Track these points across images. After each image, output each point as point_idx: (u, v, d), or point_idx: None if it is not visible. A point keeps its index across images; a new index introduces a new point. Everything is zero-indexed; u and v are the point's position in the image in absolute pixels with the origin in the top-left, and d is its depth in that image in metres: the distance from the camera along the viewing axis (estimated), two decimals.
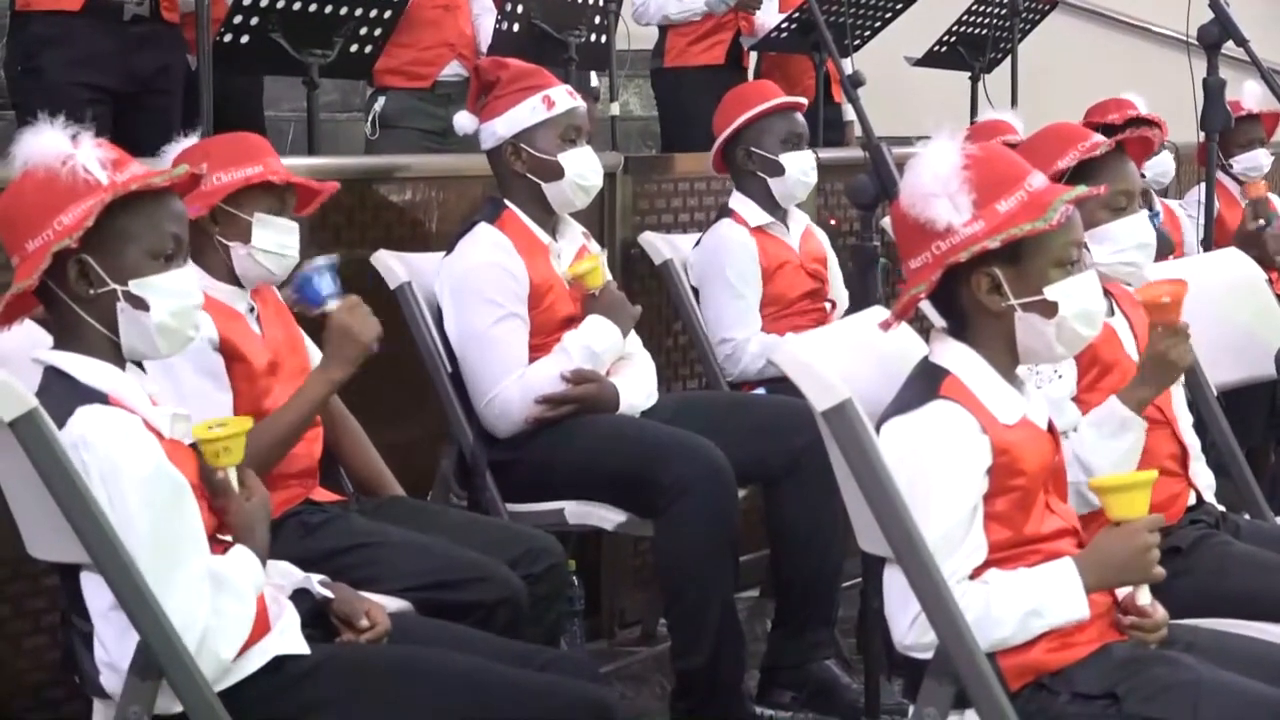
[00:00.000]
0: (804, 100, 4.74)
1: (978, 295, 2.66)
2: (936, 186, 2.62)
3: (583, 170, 3.94)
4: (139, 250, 2.63)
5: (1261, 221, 5.53)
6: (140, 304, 2.63)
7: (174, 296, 2.65)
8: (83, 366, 2.63)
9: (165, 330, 2.65)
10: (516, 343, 3.85)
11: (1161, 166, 5.79)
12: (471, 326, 3.84)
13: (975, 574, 2.62)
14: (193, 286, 2.71)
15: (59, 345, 2.67)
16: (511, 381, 3.82)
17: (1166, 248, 5.15)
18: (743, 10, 6.39)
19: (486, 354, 3.83)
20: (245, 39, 4.42)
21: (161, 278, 2.64)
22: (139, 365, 2.74)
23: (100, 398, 2.59)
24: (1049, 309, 2.64)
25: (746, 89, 4.84)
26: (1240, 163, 6.13)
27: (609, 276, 4.00)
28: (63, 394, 2.58)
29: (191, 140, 3.43)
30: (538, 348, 3.88)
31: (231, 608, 2.61)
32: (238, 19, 4.39)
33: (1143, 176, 5.29)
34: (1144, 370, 3.13)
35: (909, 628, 2.62)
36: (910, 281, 2.68)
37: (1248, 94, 5.98)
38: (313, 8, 4.46)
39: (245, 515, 2.72)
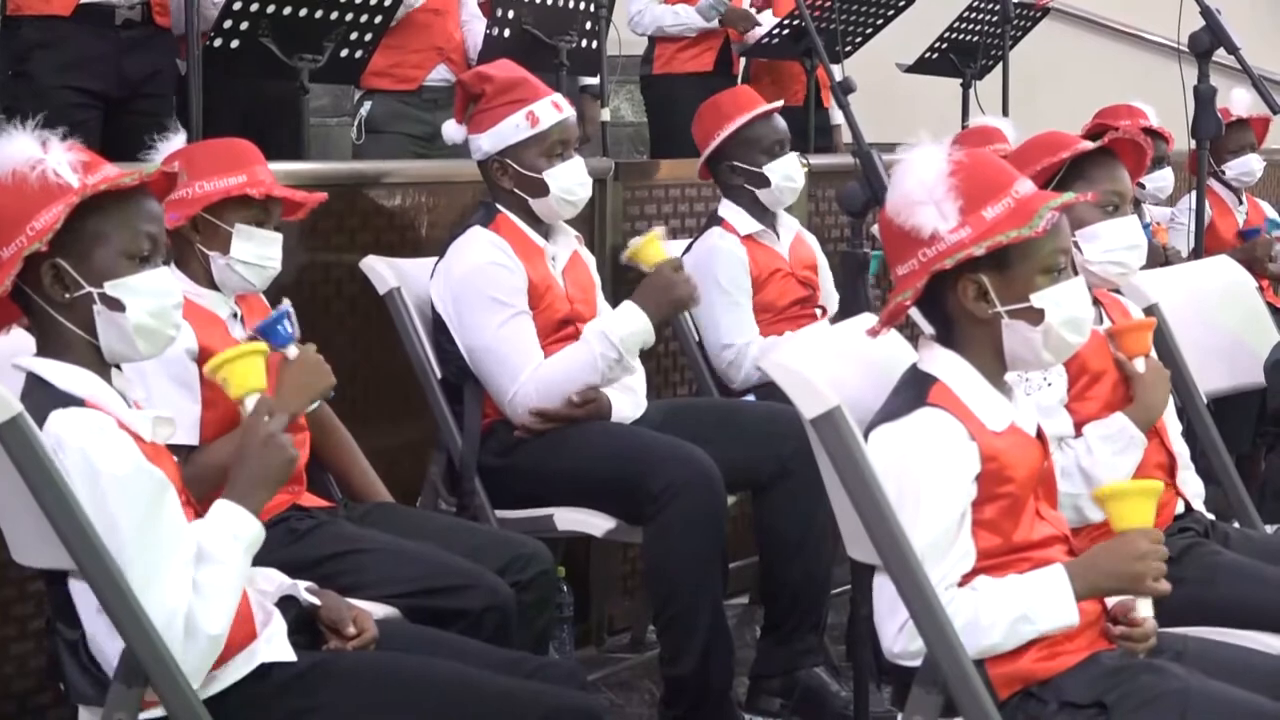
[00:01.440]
0: (780, 103, 4.71)
1: (964, 302, 2.65)
2: (922, 193, 2.61)
3: (568, 185, 3.91)
4: (113, 251, 2.62)
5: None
6: (116, 305, 2.62)
7: (151, 296, 2.64)
8: (61, 373, 2.61)
9: (144, 331, 2.64)
10: (528, 337, 3.84)
11: (1161, 181, 5.79)
12: (482, 330, 3.83)
13: (964, 581, 2.61)
14: (171, 285, 2.69)
15: (41, 351, 2.66)
16: (529, 376, 3.81)
17: (1157, 258, 5.16)
18: (732, 28, 6.40)
19: (501, 354, 3.82)
20: (235, 44, 4.41)
21: (137, 278, 2.63)
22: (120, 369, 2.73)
23: (76, 402, 2.58)
24: (1036, 316, 2.64)
25: (721, 100, 4.71)
26: (1232, 169, 6.15)
27: (669, 254, 3.92)
28: (39, 399, 2.56)
29: (179, 139, 3.41)
30: None
31: (211, 578, 2.58)
32: (228, 23, 4.39)
33: (1141, 187, 5.31)
34: (1144, 403, 3.19)
35: (897, 635, 2.61)
36: (897, 288, 2.68)
37: (1236, 100, 5.98)
38: (303, 12, 4.45)
39: (239, 444, 2.71)
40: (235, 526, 2.64)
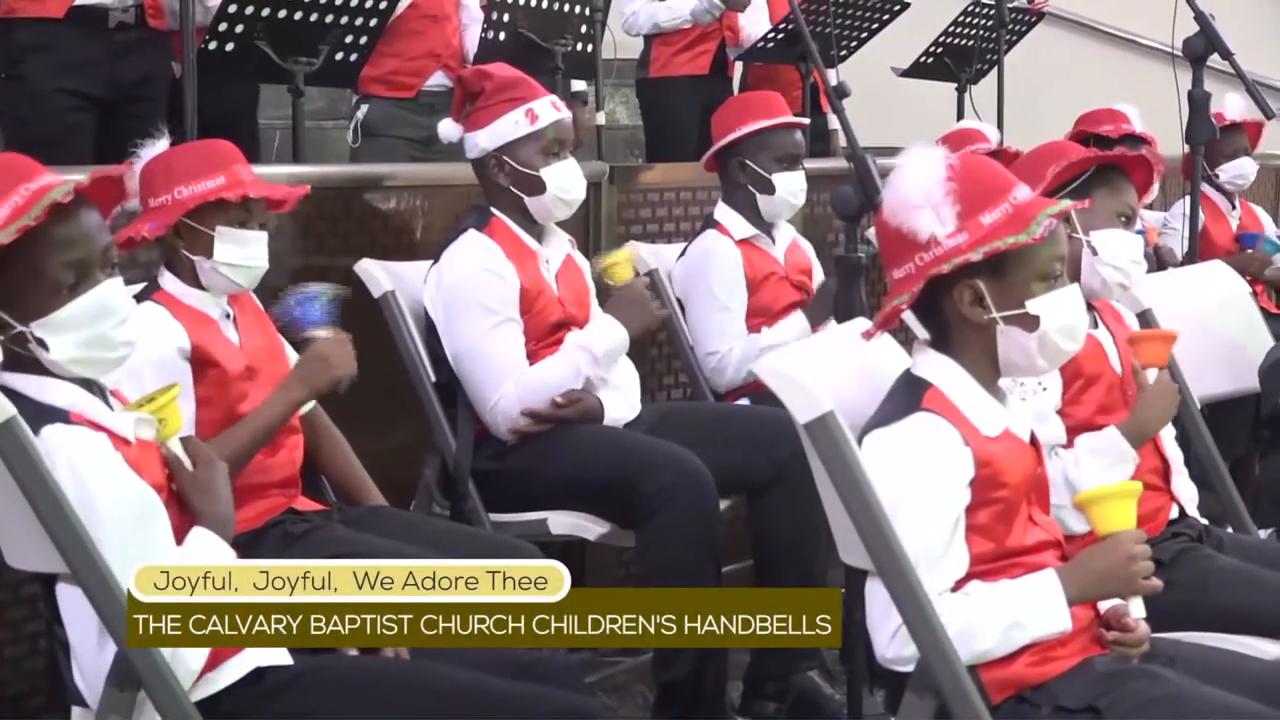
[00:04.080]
0: (806, 120, 4.73)
1: (960, 307, 2.65)
2: (920, 197, 2.61)
3: (564, 184, 3.93)
4: (40, 287, 2.54)
5: None
6: (43, 344, 2.54)
7: (80, 328, 2.56)
8: (37, 386, 2.58)
9: (78, 362, 2.58)
10: (514, 346, 3.85)
11: None
12: (468, 336, 3.83)
13: (957, 586, 2.61)
14: (110, 304, 2.58)
15: (9, 367, 2.59)
16: (511, 384, 3.82)
17: (1151, 262, 5.18)
18: (731, 9, 6.37)
19: (485, 361, 3.82)
20: (230, 46, 4.41)
21: (64, 312, 2.55)
22: None
23: (62, 415, 2.55)
24: (1031, 322, 2.64)
25: (753, 99, 4.79)
26: (1225, 172, 6.15)
27: (641, 271, 3.96)
28: (25, 415, 2.51)
29: (164, 144, 3.39)
30: (530, 355, 3.87)
31: None
32: (223, 26, 4.39)
33: None
34: (1141, 416, 3.19)
35: (890, 640, 2.62)
36: (893, 292, 2.68)
37: (1230, 105, 6.00)
38: (298, 16, 4.45)
39: (194, 487, 2.66)
40: (211, 557, 2.61)
